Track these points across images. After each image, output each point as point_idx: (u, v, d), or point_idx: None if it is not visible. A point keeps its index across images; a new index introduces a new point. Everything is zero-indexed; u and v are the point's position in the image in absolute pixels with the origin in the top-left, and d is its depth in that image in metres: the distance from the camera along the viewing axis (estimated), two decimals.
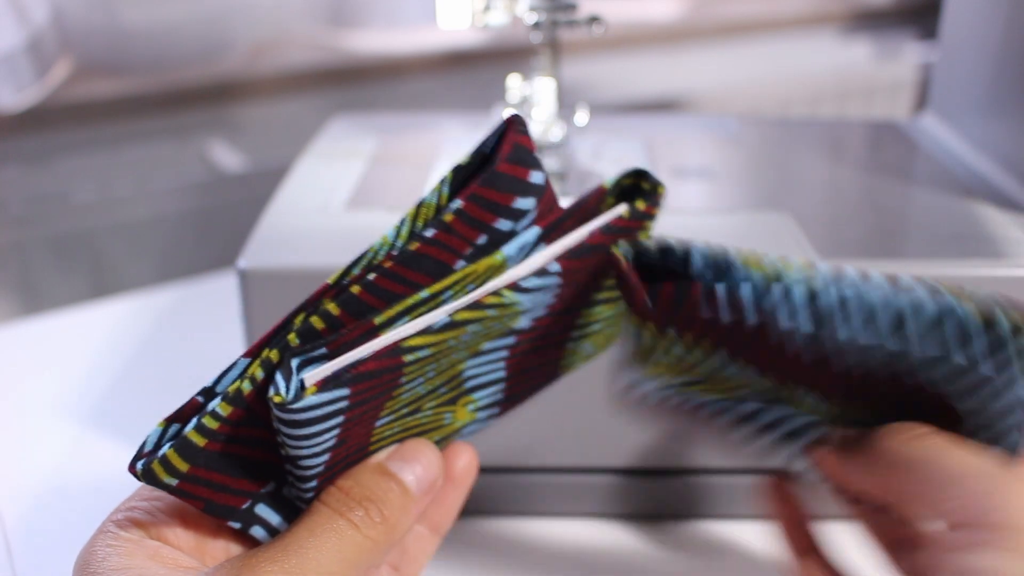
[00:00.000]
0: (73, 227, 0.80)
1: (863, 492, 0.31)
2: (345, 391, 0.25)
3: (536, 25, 0.47)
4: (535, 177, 0.28)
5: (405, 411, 0.28)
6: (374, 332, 0.26)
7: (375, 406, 0.27)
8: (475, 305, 0.26)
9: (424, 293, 0.26)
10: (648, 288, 0.28)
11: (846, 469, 0.31)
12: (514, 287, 0.27)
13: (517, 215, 0.28)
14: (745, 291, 0.27)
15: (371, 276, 0.26)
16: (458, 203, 0.26)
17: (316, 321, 0.26)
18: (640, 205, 0.29)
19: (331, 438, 0.26)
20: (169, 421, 0.26)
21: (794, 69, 1.11)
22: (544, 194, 0.28)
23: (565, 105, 0.49)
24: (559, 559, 0.42)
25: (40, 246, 0.79)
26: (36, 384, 0.56)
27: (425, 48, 0.95)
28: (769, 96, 1.07)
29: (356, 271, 0.27)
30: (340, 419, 0.26)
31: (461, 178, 0.28)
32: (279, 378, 0.25)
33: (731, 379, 0.30)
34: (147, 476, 0.25)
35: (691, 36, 1.14)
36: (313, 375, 0.25)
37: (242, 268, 0.40)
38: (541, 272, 0.27)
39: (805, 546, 0.35)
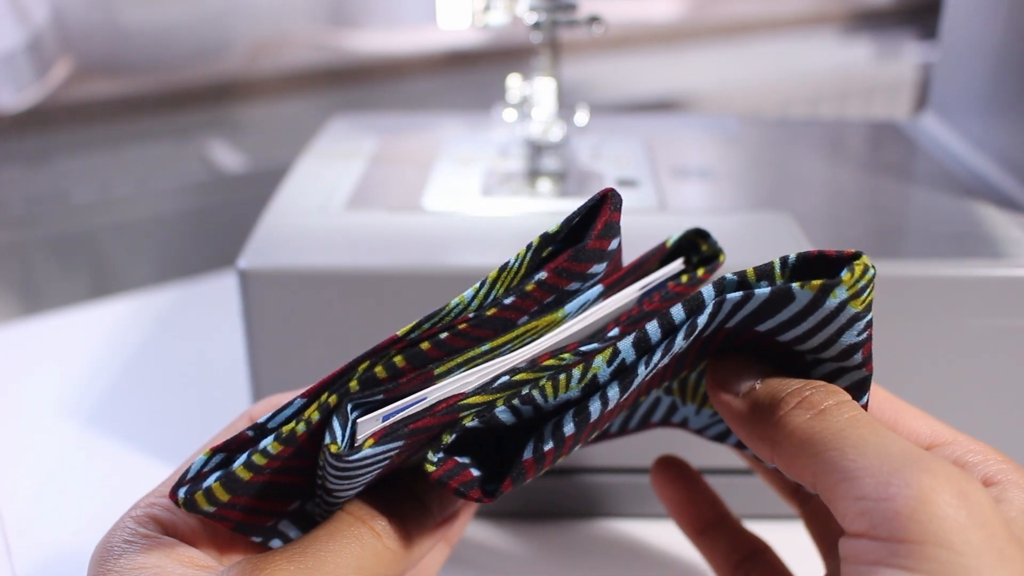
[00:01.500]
0: (73, 227, 0.80)
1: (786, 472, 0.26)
2: (400, 443, 0.25)
3: (536, 25, 0.47)
4: (613, 244, 0.28)
5: None
6: (432, 380, 0.26)
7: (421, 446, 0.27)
8: (535, 367, 0.26)
9: (484, 347, 0.26)
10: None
11: (757, 446, 0.27)
12: (575, 351, 0.26)
13: (589, 278, 0.28)
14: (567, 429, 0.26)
15: (443, 335, 0.26)
16: (543, 275, 0.26)
17: (380, 371, 0.26)
18: (700, 272, 0.29)
19: (373, 476, 0.26)
20: (214, 451, 0.26)
21: (794, 69, 1.11)
22: (615, 256, 0.28)
23: (565, 105, 0.49)
24: (633, 560, 0.42)
25: (40, 246, 0.79)
26: (36, 384, 0.56)
27: (425, 48, 0.95)
28: (769, 96, 1.07)
29: (427, 326, 0.26)
30: (387, 462, 0.26)
31: (548, 246, 0.27)
32: (336, 425, 0.25)
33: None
34: (188, 505, 0.26)
35: (691, 36, 1.14)
36: (371, 426, 0.25)
37: (242, 268, 0.40)
38: (603, 338, 0.27)
39: (702, 524, 0.34)
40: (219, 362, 0.57)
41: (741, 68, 1.11)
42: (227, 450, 0.26)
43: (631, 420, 0.33)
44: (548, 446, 0.26)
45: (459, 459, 0.27)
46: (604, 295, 0.28)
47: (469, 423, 0.26)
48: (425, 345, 0.26)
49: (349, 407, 0.25)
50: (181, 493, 0.25)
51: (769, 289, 0.26)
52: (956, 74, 0.55)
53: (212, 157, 0.87)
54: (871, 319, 0.26)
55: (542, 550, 0.42)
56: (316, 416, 0.25)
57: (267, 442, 0.25)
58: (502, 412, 0.26)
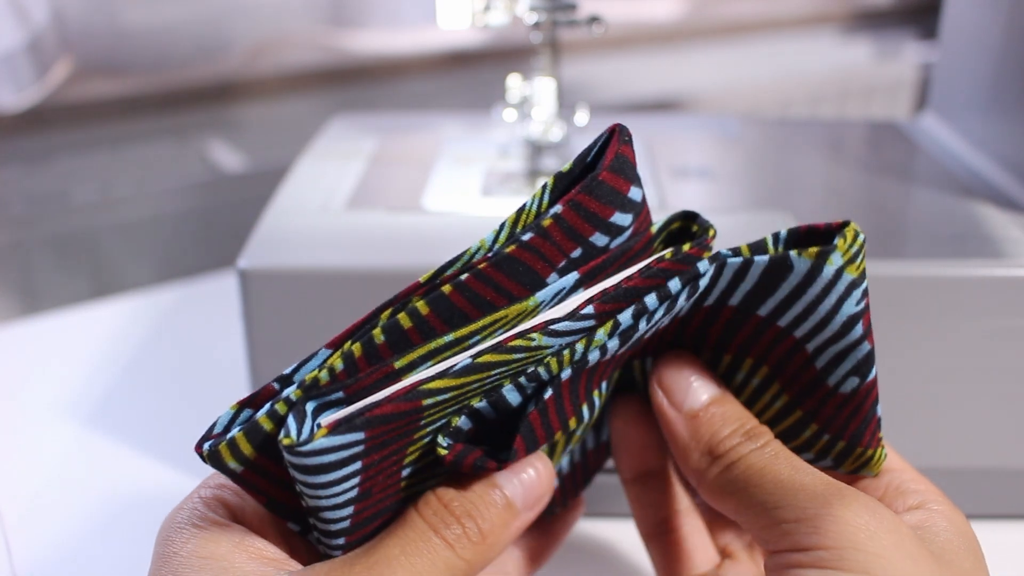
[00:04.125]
0: (73, 227, 0.80)
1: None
2: (359, 435, 0.24)
3: (536, 25, 0.47)
4: (634, 193, 0.27)
5: (433, 458, 0.27)
6: (394, 377, 0.25)
7: (397, 452, 0.26)
8: (500, 348, 0.25)
9: (448, 337, 0.25)
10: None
11: (682, 467, 0.29)
12: (544, 329, 0.26)
13: (614, 231, 0.27)
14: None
15: (463, 276, 0.25)
16: (558, 208, 0.26)
17: (403, 319, 0.25)
18: (686, 247, 0.28)
19: (352, 488, 0.25)
20: (242, 405, 0.25)
21: (794, 69, 1.11)
22: (641, 211, 0.28)
23: (565, 105, 0.49)
24: (633, 559, 0.42)
25: (40, 246, 0.79)
26: (36, 384, 0.56)
27: (425, 48, 0.95)
28: (769, 96, 1.07)
29: (449, 271, 0.26)
30: (358, 466, 0.24)
31: (563, 185, 0.27)
32: (291, 420, 0.24)
33: (597, 416, 0.31)
34: (213, 458, 0.24)
35: (691, 36, 1.14)
36: (326, 418, 0.24)
37: (242, 268, 0.40)
38: (574, 315, 0.26)
39: (652, 528, 0.33)
40: (219, 362, 0.57)
41: (741, 68, 1.11)
42: (253, 404, 0.25)
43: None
44: (548, 394, 0.26)
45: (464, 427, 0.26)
46: (584, 284, 0.27)
47: (477, 403, 0.26)
48: (447, 288, 0.25)
49: (310, 408, 0.24)
50: (206, 447, 0.24)
51: (768, 256, 0.26)
52: (956, 74, 0.55)
53: (212, 157, 0.87)
54: (867, 288, 0.27)
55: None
56: (339, 365, 0.24)
57: (289, 390, 0.24)
58: (509, 391, 0.26)
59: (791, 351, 0.28)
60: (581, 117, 0.50)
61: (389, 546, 0.25)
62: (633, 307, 0.26)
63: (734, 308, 0.28)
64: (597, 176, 0.26)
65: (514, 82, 0.49)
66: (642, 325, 0.26)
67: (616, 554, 0.42)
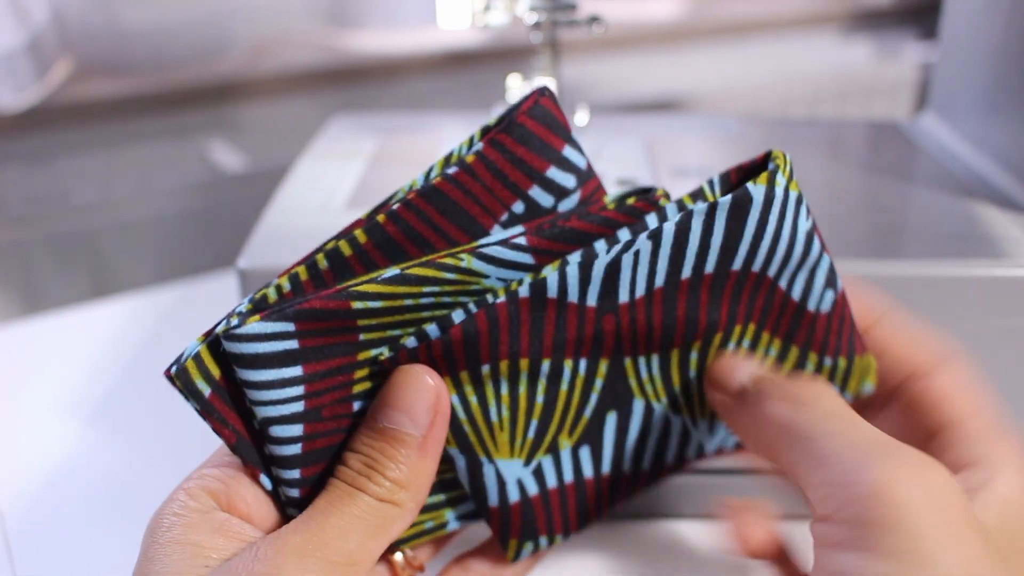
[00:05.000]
0: (73, 227, 0.80)
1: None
2: (290, 326, 0.25)
3: (536, 25, 0.47)
4: (571, 154, 0.29)
5: None
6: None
7: (342, 372, 0.27)
8: (429, 263, 0.26)
9: (389, 272, 0.26)
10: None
11: (745, 436, 0.28)
12: (473, 251, 0.27)
13: (556, 190, 0.28)
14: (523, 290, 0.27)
15: (396, 206, 0.27)
16: (479, 146, 0.28)
17: (344, 246, 0.27)
18: (630, 201, 0.29)
19: (297, 399, 0.26)
20: (207, 335, 0.26)
21: (794, 69, 1.11)
22: (588, 180, 0.29)
23: (565, 105, 0.49)
24: (631, 561, 0.42)
25: (40, 246, 0.79)
26: (36, 384, 0.56)
27: (425, 48, 0.95)
28: (769, 96, 1.07)
29: (384, 203, 0.28)
30: (298, 371, 0.26)
31: (485, 135, 0.30)
32: (235, 320, 0.26)
33: (568, 394, 0.30)
34: (181, 376, 0.26)
35: (691, 36, 1.13)
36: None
37: (242, 268, 0.40)
38: (505, 242, 0.27)
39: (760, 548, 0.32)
40: None
41: (741, 68, 1.11)
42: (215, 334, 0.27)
43: (642, 460, 0.32)
44: (500, 299, 0.26)
45: (409, 346, 0.27)
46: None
47: (428, 327, 0.26)
48: (381, 217, 0.27)
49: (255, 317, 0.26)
50: (174, 368, 0.26)
51: (731, 195, 0.26)
52: (956, 74, 0.55)
53: (212, 157, 0.87)
54: (808, 204, 0.28)
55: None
56: (286, 285, 0.27)
57: (241, 305, 0.26)
58: (456, 314, 0.27)
59: (770, 294, 0.29)
60: (581, 117, 0.50)
61: (317, 504, 0.26)
62: (582, 251, 0.27)
63: (712, 275, 0.28)
64: (515, 119, 0.28)
65: (514, 82, 0.49)
66: (598, 271, 0.26)
67: (627, 554, 0.42)
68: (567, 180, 0.29)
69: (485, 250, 0.27)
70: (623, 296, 0.27)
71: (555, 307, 0.27)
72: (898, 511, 0.21)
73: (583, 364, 0.29)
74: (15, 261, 0.78)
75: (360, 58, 0.92)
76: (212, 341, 0.26)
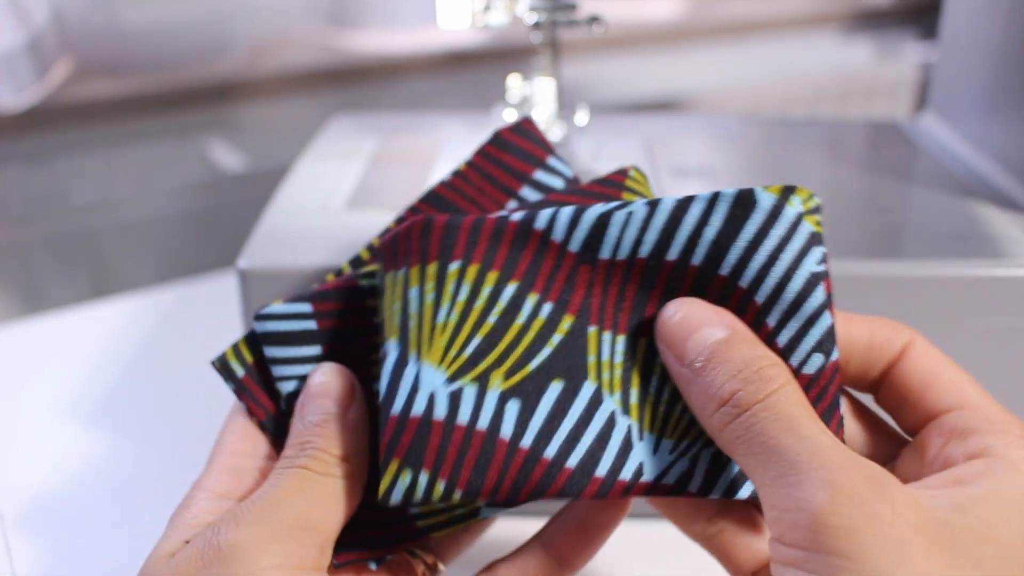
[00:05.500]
0: (73, 227, 0.80)
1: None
2: (307, 306, 0.30)
3: (536, 25, 0.47)
4: (555, 163, 0.33)
5: None
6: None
7: (357, 355, 0.30)
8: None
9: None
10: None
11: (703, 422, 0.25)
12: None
13: (546, 191, 0.32)
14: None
15: (403, 212, 0.33)
16: (471, 157, 0.33)
17: (363, 253, 0.33)
18: (636, 175, 0.32)
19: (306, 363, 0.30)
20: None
21: (794, 69, 1.11)
22: (576, 187, 0.32)
23: (565, 105, 0.49)
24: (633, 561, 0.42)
25: (40, 246, 0.79)
26: (36, 384, 0.56)
27: (425, 48, 0.95)
28: (769, 96, 1.07)
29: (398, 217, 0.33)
30: (317, 350, 0.30)
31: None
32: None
33: (521, 330, 0.27)
34: (222, 364, 0.31)
35: (691, 36, 1.13)
36: None
37: (242, 268, 0.40)
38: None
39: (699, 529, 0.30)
40: None
41: (741, 68, 1.11)
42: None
43: (569, 453, 0.27)
44: (489, 215, 0.28)
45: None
46: None
47: (366, 283, 0.30)
48: (392, 224, 0.33)
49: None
50: (216, 361, 0.31)
51: (736, 189, 0.26)
52: (956, 74, 0.55)
53: (212, 157, 0.87)
54: (827, 254, 0.26)
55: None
56: (315, 285, 0.32)
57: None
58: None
59: (754, 325, 0.26)
60: (581, 117, 0.50)
61: (264, 484, 0.28)
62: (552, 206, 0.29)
63: (697, 268, 0.27)
64: (499, 133, 0.33)
65: (514, 82, 0.49)
66: (588, 218, 0.27)
67: (632, 555, 0.42)
68: (555, 182, 0.32)
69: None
70: (605, 252, 0.27)
71: (538, 239, 0.28)
72: (835, 538, 0.21)
73: (546, 308, 0.27)
74: (15, 261, 0.78)
75: (360, 58, 0.92)
76: (250, 333, 0.31)
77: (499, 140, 0.33)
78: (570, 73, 0.98)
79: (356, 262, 0.33)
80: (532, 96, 0.48)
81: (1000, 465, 0.23)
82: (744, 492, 0.28)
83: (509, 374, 0.27)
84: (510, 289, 0.27)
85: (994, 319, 0.39)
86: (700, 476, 0.27)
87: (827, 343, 0.26)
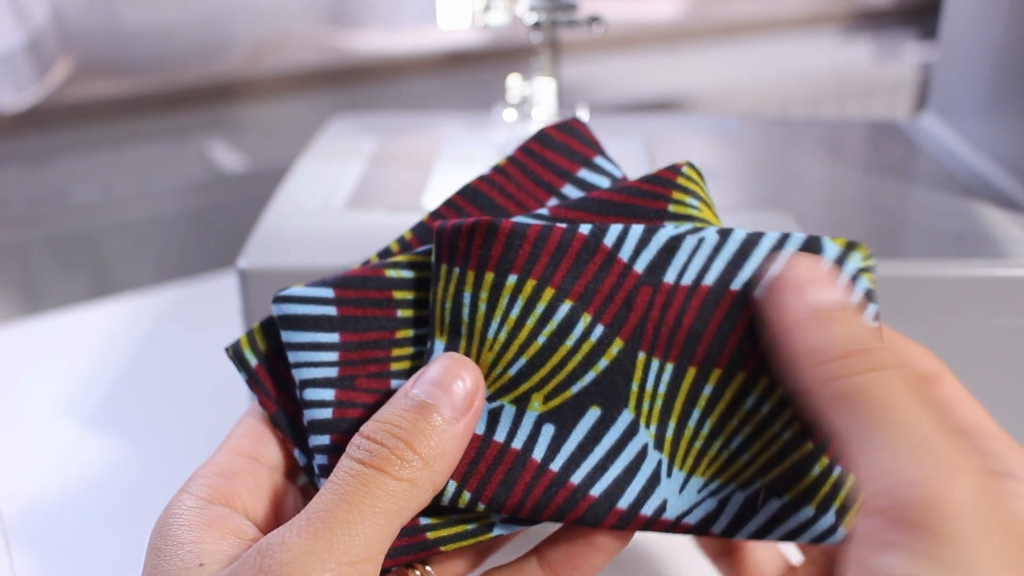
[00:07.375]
0: (73, 227, 0.80)
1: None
2: (329, 291, 0.28)
3: (536, 25, 0.47)
4: (603, 163, 0.32)
5: None
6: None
7: (379, 346, 0.29)
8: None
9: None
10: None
11: (790, 364, 0.25)
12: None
13: (590, 189, 0.31)
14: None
15: (437, 207, 0.31)
16: (513, 154, 0.32)
17: (393, 245, 0.31)
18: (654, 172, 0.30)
19: (332, 364, 0.28)
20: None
21: (794, 69, 1.11)
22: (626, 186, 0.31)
23: (565, 105, 0.49)
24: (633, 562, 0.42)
25: (40, 246, 0.79)
26: (36, 384, 0.56)
27: (425, 48, 0.95)
28: (769, 96, 1.07)
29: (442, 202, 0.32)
30: (335, 338, 0.28)
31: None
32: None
33: (568, 353, 0.27)
34: (235, 352, 0.30)
35: (691, 36, 1.14)
36: None
37: (242, 268, 0.40)
38: (528, 214, 0.30)
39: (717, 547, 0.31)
40: (219, 362, 0.57)
41: (741, 68, 1.11)
42: None
43: (594, 481, 0.27)
44: (558, 224, 0.27)
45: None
46: None
47: (393, 273, 0.29)
48: (425, 217, 0.32)
49: None
50: (230, 348, 0.30)
51: (805, 234, 0.26)
52: (956, 74, 0.55)
53: (212, 157, 0.87)
54: (879, 313, 0.26)
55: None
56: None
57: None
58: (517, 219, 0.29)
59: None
60: (581, 117, 0.50)
61: (325, 497, 0.24)
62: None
63: (730, 310, 0.27)
64: (544, 130, 0.32)
65: (514, 82, 0.49)
66: (659, 238, 0.27)
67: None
68: (601, 181, 0.31)
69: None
70: (670, 276, 0.27)
71: (604, 256, 0.27)
72: (949, 521, 0.20)
73: (598, 330, 0.27)
74: (15, 261, 0.78)
75: (360, 58, 0.92)
76: (266, 321, 0.30)
77: (544, 137, 0.32)
78: (570, 73, 0.98)
79: (385, 254, 0.31)
80: (532, 96, 0.48)
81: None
82: (776, 535, 0.27)
83: (549, 397, 0.27)
84: (564, 308, 0.27)
85: (994, 319, 0.39)
86: (727, 518, 0.27)
87: None
